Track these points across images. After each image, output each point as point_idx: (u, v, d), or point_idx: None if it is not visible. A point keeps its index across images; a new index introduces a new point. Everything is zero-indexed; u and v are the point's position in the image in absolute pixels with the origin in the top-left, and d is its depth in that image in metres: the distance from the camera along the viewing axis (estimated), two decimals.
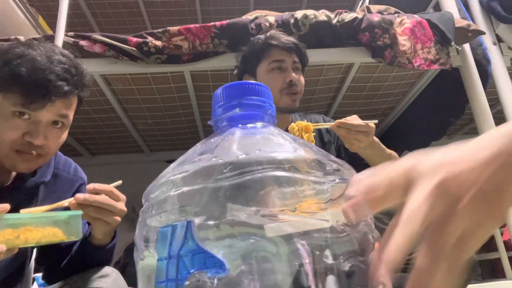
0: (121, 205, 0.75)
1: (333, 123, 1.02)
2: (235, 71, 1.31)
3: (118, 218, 0.76)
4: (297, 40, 1.29)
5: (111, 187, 0.74)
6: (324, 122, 1.26)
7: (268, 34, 1.28)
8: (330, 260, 0.30)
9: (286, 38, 1.25)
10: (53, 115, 0.79)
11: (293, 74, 1.22)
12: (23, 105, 0.75)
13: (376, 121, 1.03)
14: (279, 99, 1.20)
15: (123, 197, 0.75)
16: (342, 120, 1.01)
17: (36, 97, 0.75)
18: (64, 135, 0.85)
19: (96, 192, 0.72)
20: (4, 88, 0.75)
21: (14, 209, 0.74)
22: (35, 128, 0.77)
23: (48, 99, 0.75)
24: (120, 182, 0.79)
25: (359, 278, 0.31)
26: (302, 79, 1.26)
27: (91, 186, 0.72)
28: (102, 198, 0.72)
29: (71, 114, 0.84)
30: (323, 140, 1.35)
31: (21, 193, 0.85)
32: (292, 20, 1.49)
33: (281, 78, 1.21)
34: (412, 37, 1.52)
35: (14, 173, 0.86)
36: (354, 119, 1.02)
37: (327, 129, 1.31)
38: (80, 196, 0.71)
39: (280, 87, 1.21)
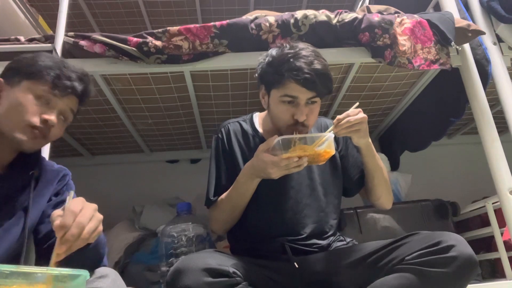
0: (97, 218, 0.78)
1: (332, 127, 1.14)
2: (259, 67, 1.24)
3: (101, 228, 0.80)
4: (323, 66, 1.14)
5: (76, 209, 0.76)
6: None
7: (292, 59, 1.13)
8: None
9: (310, 70, 1.11)
10: (67, 106, 0.99)
11: (304, 112, 1.14)
12: (51, 89, 0.95)
13: (358, 103, 1.18)
14: (282, 130, 1.18)
15: (92, 209, 0.79)
16: (335, 123, 1.13)
17: (62, 86, 0.97)
18: (62, 129, 1.02)
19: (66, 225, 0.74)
20: (38, 77, 0.95)
21: (7, 198, 0.93)
22: (52, 110, 0.96)
23: (71, 90, 0.98)
24: (72, 192, 0.83)
25: None
26: (315, 111, 1.19)
27: (57, 223, 0.74)
28: (78, 230, 0.74)
29: (72, 113, 1.03)
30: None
31: (13, 182, 0.95)
32: (292, 20, 1.48)
33: (289, 113, 1.16)
34: (412, 37, 1.52)
35: (5, 163, 0.97)
36: (345, 116, 1.13)
37: (335, 138, 1.29)
38: (60, 250, 0.73)
39: (286, 122, 1.17)
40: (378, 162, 1.26)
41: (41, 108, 0.94)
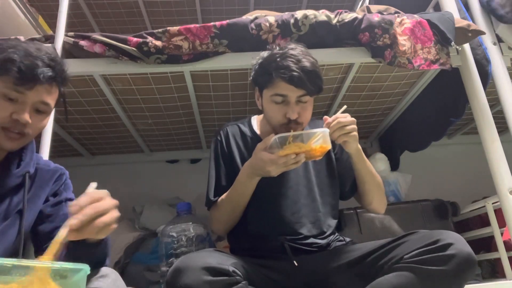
0: (114, 213, 0.73)
1: (325, 128, 1.14)
2: (252, 70, 1.26)
3: (115, 225, 0.75)
4: (311, 63, 1.16)
5: (95, 195, 0.72)
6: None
7: (279, 58, 1.16)
8: None
9: (297, 67, 1.13)
10: (37, 99, 0.91)
11: (295, 110, 1.16)
12: (15, 85, 0.87)
13: (345, 106, 1.22)
14: (277, 129, 1.20)
15: (112, 203, 0.74)
16: (330, 122, 1.14)
17: (25, 79, 0.87)
18: (45, 121, 0.96)
19: (83, 207, 0.70)
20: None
21: (1, 198, 0.91)
22: (22, 108, 0.89)
23: (36, 81, 0.88)
24: (95, 184, 0.77)
25: None
26: (307, 109, 1.20)
27: (74, 204, 0.70)
28: (93, 212, 0.70)
29: (52, 103, 0.95)
30: (329, 152, 1.33)
31: (7, 182, 0.93)
32: (292, 20, 1.48)
33: (281, 112, 1.18)
34: (412, 37, 1.52)
35: None
36: (334, 119, 1.14)
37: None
38: (73, 221, 0.68)
39: (278, 121, 1.19)
40: (369, 168, 1.26)
41: (11, 107, 0.88)
